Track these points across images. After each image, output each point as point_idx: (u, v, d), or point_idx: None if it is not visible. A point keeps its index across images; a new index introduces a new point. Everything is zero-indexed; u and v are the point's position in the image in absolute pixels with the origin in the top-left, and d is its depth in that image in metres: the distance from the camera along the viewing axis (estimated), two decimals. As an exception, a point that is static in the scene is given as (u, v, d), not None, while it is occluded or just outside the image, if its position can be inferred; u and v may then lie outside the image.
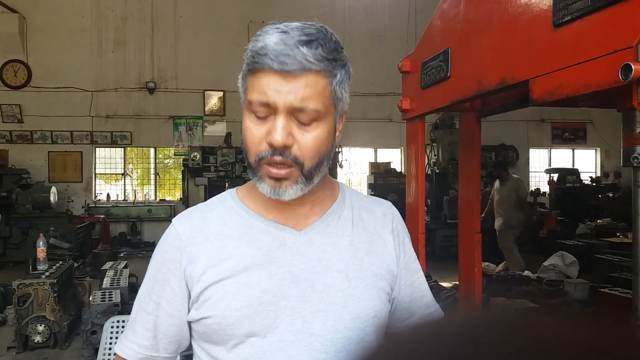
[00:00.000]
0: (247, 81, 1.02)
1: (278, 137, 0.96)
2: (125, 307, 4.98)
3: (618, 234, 8.50)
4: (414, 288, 1.21)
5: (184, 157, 12.05)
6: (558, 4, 1.33)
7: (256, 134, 1.00)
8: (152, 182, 13.00)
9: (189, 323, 1.09)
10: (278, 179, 1.00)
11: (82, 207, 11.72)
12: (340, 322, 1.04)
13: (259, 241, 1.07)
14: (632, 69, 1.03)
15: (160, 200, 12.88)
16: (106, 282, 5.47)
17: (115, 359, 1.14)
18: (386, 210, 1.21)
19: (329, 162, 1.06)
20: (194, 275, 1.05)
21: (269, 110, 0.98)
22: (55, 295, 4.98)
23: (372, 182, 12.28)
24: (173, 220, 1.14)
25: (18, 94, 11.69)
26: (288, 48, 0.93)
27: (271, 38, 0.95)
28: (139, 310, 1.12)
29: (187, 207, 11.42)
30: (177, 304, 1.07)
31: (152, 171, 12.97)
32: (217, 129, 12.43)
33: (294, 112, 0.97)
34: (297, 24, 0.98)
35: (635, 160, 1.28)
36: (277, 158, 0.98)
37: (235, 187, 1.18)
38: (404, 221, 1.27)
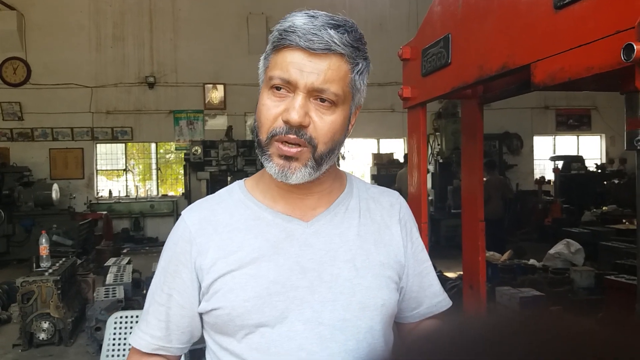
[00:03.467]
0: (269, 60, 1.03)
1: (295, 115, 0.96)
2: (129, 302, 5.00)
3: (624, 220, 8.46)
4: (422, 277, 1.22)
5: (185, 151, 12.05)
6: (559, -15, 1.29)
7: (272, 111, 1.00)
8: (154, 177, 13.00)
9: (200, 315, 1.10)
10: (288, 159, 1.00)
11: (84, 204, 11.73)
12: (348, 311, 1.05)
13: (267, 233, 1.08)
14: (634, 49, 1.00)
15: (162, 195, 12.89)
16: (109, 278, 5.48)
17: (130, 349, 1.16)
18: (393, 200, 1.22)
19: (339, 152, 1.07)
20: (204, 267, 1.06)
21: (289, 87, 0.98)
22: (59, 292, 4.99)
23: (375, 173, 12.28)
24: (182, 212, 1.16)
25: (18, 91, 11.68)
26: (316, 28, 0.96)
27: (299, 19, 0.98)
28: (151, 302, 1.14)
29: (189, 201, 11.46)
30: (188, 295, 1.09)
31: (154, 166, 12.96)
32: (218, 123, 12.41)
33: (313, 93, 0.98)
34: (324, 12, 1.00)
35: (639, 143, 1.25)
36: (292, 136, 0.98)
37: (244, 179, 1.20)
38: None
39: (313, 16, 0.98)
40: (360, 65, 1.02)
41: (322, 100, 0.99)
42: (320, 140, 1.00)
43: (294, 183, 1.02)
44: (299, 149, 0.99)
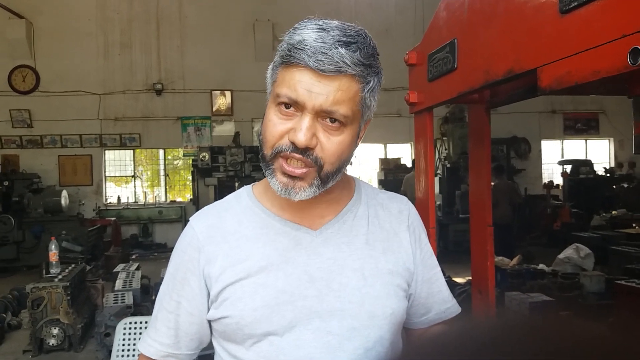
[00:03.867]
0: (277, 73, 0.99)
1: (302, 137, 0.94)
2: (138, 308, 5.01)
3: (634, 224, 8.42)
4: (431, 284, 1.21)
5: (193, 157, 12.11)
6: (565, -11, 1.29)
7: (278, 128, 0.98)
8: (162, 183, 13.07)
9: (209, 322, 1.10)
10: (292, 178, 0.99)
11: (93, 210, 11.78)
12: (357, 320, 1.05)
13: (276, 242, 1.07)
14: (641, 53, 1.00)
15: (170, 201, 12.95)
16: (118, 284, 5.49)
17: (139, 356, 1.15)
18: (402, 206, 1.21)
19: (346, 168, 1.06)
20: (212, 275, 1.06)
21: (297, 107, 0.96)
22: (68, 298, 5.02)
23: (382, 177, 12.27)
24: (190, 219, 1.15)
25: (27, 99, 11.79)
26: (327, 47, 0.91)
27: (310, 34, 0.93)
28: (160, 309, 1.14)
29: (197, 207, 11.49)
30: (197, 303, 1.09)
31: (162, 172, 13.03)
32: (226, 129, 12.46)
33: (321, 114, 0.95)
34: (337, 23, 0.96)
35: (648, 147, 1.25)
36: (297, 155, 0.97)
37: (252, 184, 1.18)
38: None
39: (324, 29, 0.93)
40: (371, 83, 0.98)
41: (331, 120, 0.96)
42: (327, 161, 0.98)
43: (297, 200, 1.01)
44: (305, 170, 0.98)
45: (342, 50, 0.92)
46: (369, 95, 0.99)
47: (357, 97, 0.97)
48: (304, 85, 0.93)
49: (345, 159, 1.02)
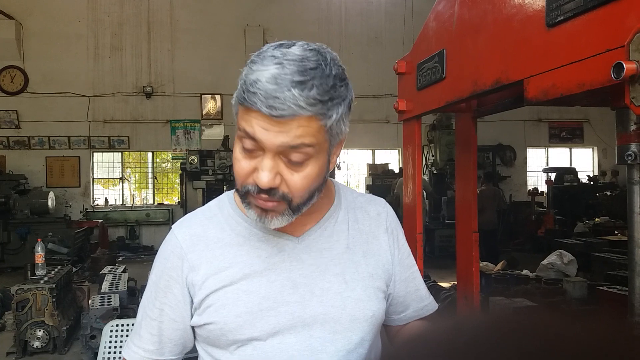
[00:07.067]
0: (238, 107, 0.97)
1: (264, 179, 0.94)
2: (124, 311, 4.98)
3: (616, 232, 8.53)
4: (409, 282, 1.24)
5: (181, 160, 12.06)
6: (551, 4, 1.34)
7: (244, 167, 0.97)
8: (150, 186, 13.00)
9: (192, 327, 1.11)
10: (264, 210, 0.99)
11: (80, 212, 11.71)
12: (339, 324, 1.07)
13: (258, 249, 1.09)
14: (624, 68, 1.03)
15: (158, 204, 12.87)
16: (105, 286, 5.46)
17: None
18: (380, 208, 1.24)
19: (320, 193, 1.05)
20: (196, 283, 1.07)
21: (257, 145, 0.93)
22: (54, 300, 4.99)
23: (370, 183, 12.32)
24: (173, 227, 1.16)
25: (15, 99, 11.69)
26: (279, 89, 0.87)
27: (264, 73, 0.89)
28: (144, 316, 1.15)
29: (185, 210, 11.45)
30: (180, 310, 1.10)
31: (150, 175, 12.96)
32: (215, 133, 12.45)
33: (283, 152, 0.93)
34: (296, 54, 0.92)
35: (629, 157, 1.29)
36: (264, 196, 0.96)
37: (233, 191, 1.15)
38: (401, 220, 1.29)
39: (280, 63, 0.90)
40: (335, 115, 0.94)
41: (293, 158, 0.94)
42: (295, 195, 0.98)
43: (273, 228, 1.02)
44: (275, 203, 0.98)
45: (296, 92, 0.87)
46: (335, 125, 0.96)
47: (320, 132, 0.94)
48: (261, 125, 0.91)
49: (315, 188, 1.01)
